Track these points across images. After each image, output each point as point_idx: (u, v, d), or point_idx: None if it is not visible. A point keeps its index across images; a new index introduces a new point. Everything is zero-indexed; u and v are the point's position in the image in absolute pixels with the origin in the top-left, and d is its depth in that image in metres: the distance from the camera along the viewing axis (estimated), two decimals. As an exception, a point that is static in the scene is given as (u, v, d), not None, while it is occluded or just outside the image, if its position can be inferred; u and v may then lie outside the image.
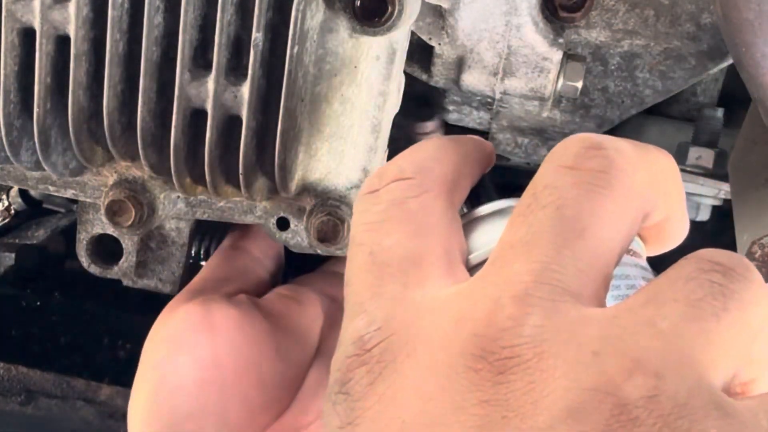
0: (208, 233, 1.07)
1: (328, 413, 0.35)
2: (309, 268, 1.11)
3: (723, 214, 0.88)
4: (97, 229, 0.70)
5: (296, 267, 1.11)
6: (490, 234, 0.43)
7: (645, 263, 0.42)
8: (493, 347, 0.31)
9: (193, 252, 0.99)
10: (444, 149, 0.44)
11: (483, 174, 0.47)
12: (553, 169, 0.36)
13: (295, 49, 0.55)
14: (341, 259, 0.76)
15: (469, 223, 0.44)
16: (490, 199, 0.46)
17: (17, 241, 1.08)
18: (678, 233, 0.41)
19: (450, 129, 0.95)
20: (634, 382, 0.29)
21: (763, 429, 0.29)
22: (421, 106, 0.91)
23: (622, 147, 0.37)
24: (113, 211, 0.63)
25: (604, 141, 0.36)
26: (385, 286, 0.37)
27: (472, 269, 0.41)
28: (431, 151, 0.44)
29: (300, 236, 0.67)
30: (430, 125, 0.80)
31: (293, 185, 0.62)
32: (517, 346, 0.31)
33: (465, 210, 0.47)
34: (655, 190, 0.37)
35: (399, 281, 0.37)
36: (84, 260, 0.71)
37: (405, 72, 0.64)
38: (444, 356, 0.33)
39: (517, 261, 0.34)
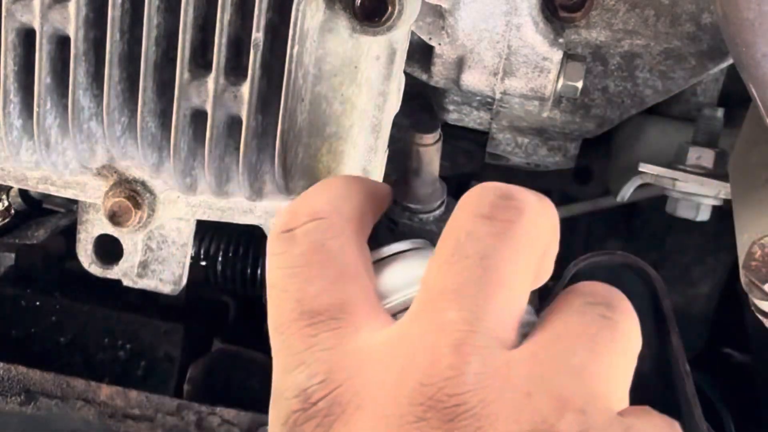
0: (208, 233, 1.07)
1: None
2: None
3: (723, 214, 0.88)
4: (98, 230, 0.70)
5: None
6: (400, 276, 0.45)
7: None
8: (439, 396, 0.34)
9: (193, 252, 0.99)
10: (351, 187, 0.47)
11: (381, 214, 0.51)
12: (472, 218, 0.40)
13: (295, 49, 0.55)
14: None
15: (376, 264, 0.46)
16: (386, 239, 0.49)
17: (17, 241, 1.08)
18: (551, 270, 0.45)
19: (450, 129, 0.95)
20: (566, 420, 0.34)
21: None
22: (423, 116, 0.91)
23: (528, 198, 0.41)
24: (113, 212, 0.63)
25: (513, 192, 0.41)
26: (319, 335, 0.38)
27: (394, 313, 0.42)
28: (341, 188, 0.46)
29: (300, 236, 0.67)
30: (431, 137, 0.80)
31: (293, 185, 0.62)
32: (462, 394, 0.34)
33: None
34: (554, 235, 0.42)
35: (332, 330, 0.38)
36: (84, 260, 0.71)
37: (405, 72, 0.64)
38: (393, 407, 0.35)
39: (450, 309, 0.37)
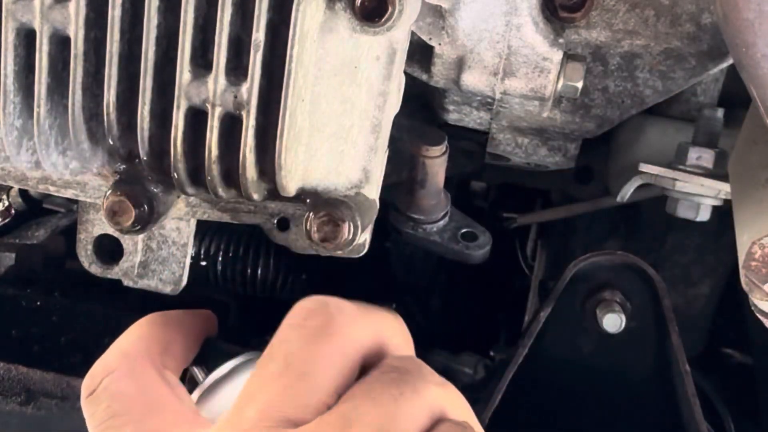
0: (209, 233, 1.07)
1: None
2: (309, 268, 1.11)
3: (723, 214, 0.88)
4: (98, 230, 0.70)
5: (297, 267, 1.11)
6: (223, 398, 0.51)
7: None
8: None
9: (193, 252, 0.99)
10: (149, 325, 0.53)
11: (210, 337, 0.57)
12: (286, 328, 0.45)
13: (296, 49, 0.55)
14: None
15: (203, 393, 0.52)
16: (220, 356, 0.54)
17: (17, 241, 1.08)
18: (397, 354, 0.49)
19: (450, 129, 0.95)
20: None
21: None
22: (429, 128, 0.91)
23: (343, 306, 0.46)
24: (113, 212, 0.63)
25: (329, 302, 0.46)
26: None
27: None
28: (136, 332, 0.52)
29: (300, 236, 0.67)
30: (437, 149, 0.80)
31: (293, 185, 0.62)
32: None
33: (202, 375, 0.54)
34: (373, 336, 0.47)
35: None
36: (84, 260, 0.71)
37: (405, 72, 0.64)
38: None
39: (248, 407, 0.42)
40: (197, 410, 0.50)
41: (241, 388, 0.47)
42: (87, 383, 0.49)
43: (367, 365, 0.47)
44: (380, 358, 0.48)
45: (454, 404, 0.46)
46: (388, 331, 0.49)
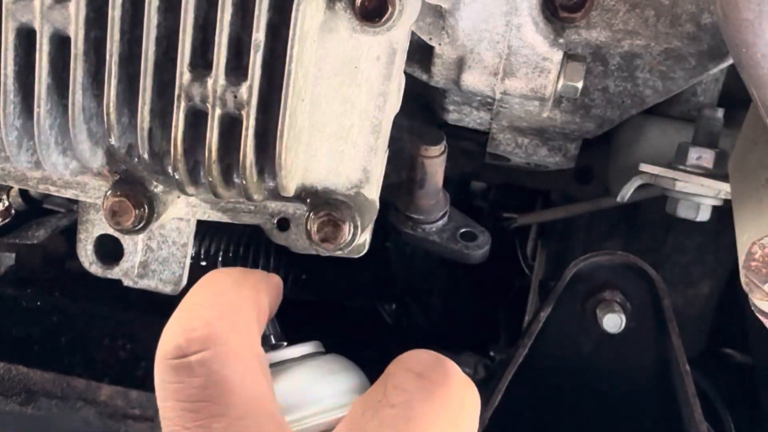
0: (209, 233, 1.07)
1: None
2: (309, 268, 1.11)
3: (723, 214, 0.88)
4: (98, 230, 0.70)
5: (297, 267, 1.12)
6: (299, 391, 0.48)
7: None
8: None
9: (193, 252, 0.99)
10: (241, 290, 0.47)
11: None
12: (404, 372, 0.44)
13: (296, 49, 0.55)
14: None
15: (274, 368, 0.48)
16: (274, 332, 0.52)
17: (18, 241, 1.08)
18: None
19: (450, 129, 0.95)
20: None
21: None
22: (428, 127, 0.91)
23: (457, 368, 0.46)
24: (114, 212, 0.63)
25: (444, 360, 0.46)
26: None
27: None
28: (231, 293, 0.46)
29: (300, 236, 0.67)
30: (436, 149, 0.80)
31: (293, 186, 0.62)
32: None
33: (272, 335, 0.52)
34: (475, 412, 0.47)
35: None
36: (84, 260, 0.71)
37: (405, 72, 0.64)
38: None
39: None
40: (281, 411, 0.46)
41: (309, 389, 0.48)
42: (179, 342, 0.40)
43: None
44: None
45: None
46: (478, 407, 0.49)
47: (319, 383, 0.50)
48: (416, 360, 0.46)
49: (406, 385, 0.44)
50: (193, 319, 0.41)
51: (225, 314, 0.43)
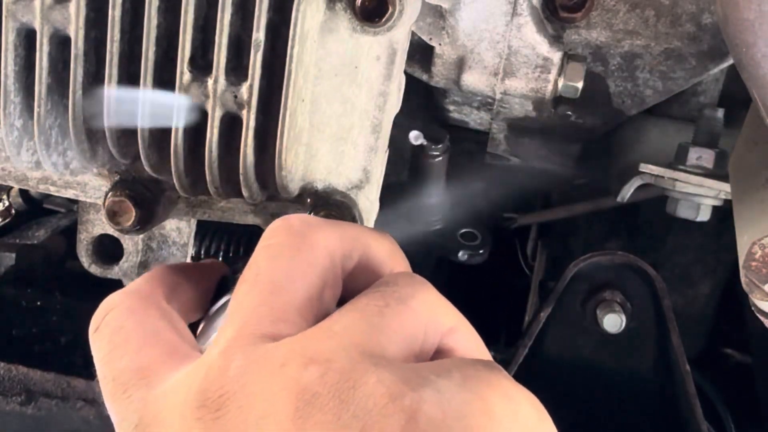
0: (209, 233, 1.07)
1: None
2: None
3: (723, 214, 0.88)
4: (98, 230, 0.70)
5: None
6: (221, 320, 0.52)
7: None
8: (207, 394, 0.39)
9: (193, 252, 0.99)
10: (158, 271, 0.55)
11: (223, 278, 0.58)
12: (256, 251, 0.46)
13: (296, 49, 0.55)
14: None
15: (206, 320, 0.54)
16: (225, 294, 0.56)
17: (18, 241, 1.08)
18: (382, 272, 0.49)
19: (450, 129, 0.95)
20: (308, 371, 0.38)
21: (442, 369, 0.38)
22: (431, 127, 0.91)
23: (308, 219, 0.47)
24: (114, 212, 0.63)
25: (292, 218, 0.47)
26: (132, 395, 0.45)
27: None
28: (144, 276, 0.54)
29: (300, 236, 0.67)
30: (438, 149, 0.80)
31: (294, 186, 0.62)
32: (225, 385, 0.39)
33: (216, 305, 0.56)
34: (351, 247, 0.47)
35: (140, 387, 0.45)
36: (85, 260, 0.71)
37: (405, 72, 0.64)
38: (180, 422, 0.40)
39: (226, 329, 0.42)
40: (197, 344, 0.50)
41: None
42: (93, 320, 0.50)
43: (360, 284, 0.46)
44: (369, 273, 0.47)
45: (459, 327, 0.45)
46: (370, 242, 0.48)
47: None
48: (264, 234, 0.47)
49: (257, 258, 0.46)
50: (102, 303, 0.52)
51: (127, 291, 0.52)
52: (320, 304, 0.45)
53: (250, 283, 0.44)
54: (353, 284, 0.47)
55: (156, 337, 0.48)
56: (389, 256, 0.49)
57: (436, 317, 0.44)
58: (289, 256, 0.45)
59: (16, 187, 0.68)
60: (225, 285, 0.59)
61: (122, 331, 0.49)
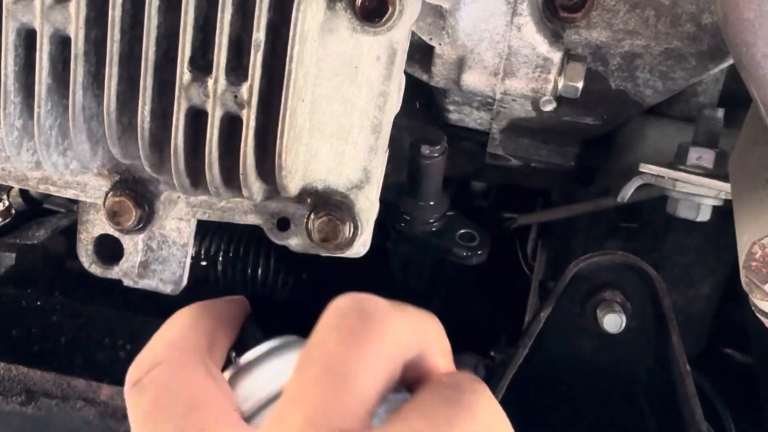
0: (209, 233, 1.07)
1: None
2: (309, 268, 1.11)
3: (723, 214, 0.88)
4: (98, 230, 0.70)
5: (297, 267, 1.11)
6: (259, 379, 0.50)
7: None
8: None
9: (193, 252, 0.99)
10: (196, 318, 0.52)
11: (245, 319, 0.56)
12: (322, 329, 0.45)
13: (296, 49, 0.55)
14: None
15: (237, 373, 0.51)
16: (255, 341, 0.53)
17: (18, 241, 1.08)
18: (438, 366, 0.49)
19: (450, 129, 0.95)
20: None
21: None
22: (428, 128, 0.91)
23: (380, 304, 0.45)
24: (114, 212, 0.63)
25: (364, 300, 0.45)
26: None
27: (251, 417, 0.47)
28: (183, 322, 0.51)
29: (300, 236, 0.67)
30: (436, 150, 0.80)
31: (294, 186, 0.62)
32: None
33: (234, 356, 0.53)
34: (417, 335, 0.46)
35: None
36: (85, 260, 0.71)
37: (405, 72, 0.64)
38: None
39: (292, 413, 0.42)
40: (236, 404, 0.48)
41: (274, 371, 0.48)
42: (133, 372, 0.48)
43: (410, 374, 0.46)
44: (422, 365, 0.47)
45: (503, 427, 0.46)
46: (428, 334, 0.48)
47: (271, 368, 0.50)
48: (330, 312, 0.46)
49: (325, 340, 0.44)
50: (145, 354, 0.49)
51: (172, 341, 0.49)
52: (384, 396, 0.44)
53: (321, 368, 0.43)
54: (406, 372, 0.47)
55: (205, 402, 0.46)
56: (443, 351, 0.49)
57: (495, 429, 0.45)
58: (360, 344, 0.44)
59: (16, 187, 0.69)
60: (248, 331, 0.57)
61: (169, 391, 0.46)
